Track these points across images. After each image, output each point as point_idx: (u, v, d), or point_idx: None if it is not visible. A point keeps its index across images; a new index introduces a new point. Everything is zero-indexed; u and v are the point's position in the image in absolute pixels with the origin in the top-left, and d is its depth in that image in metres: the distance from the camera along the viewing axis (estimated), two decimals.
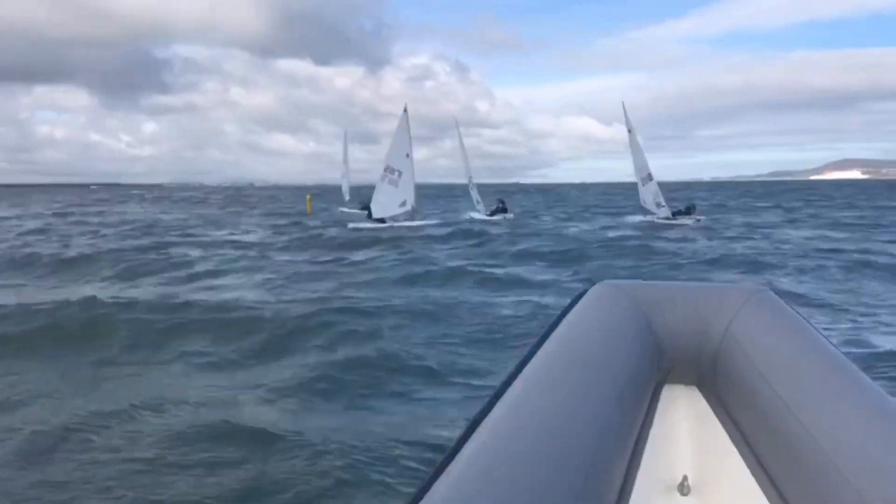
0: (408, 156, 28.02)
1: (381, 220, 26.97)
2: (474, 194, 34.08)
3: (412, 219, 27.96)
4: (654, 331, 1.38)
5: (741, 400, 1.29)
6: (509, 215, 31.66)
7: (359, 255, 17.62)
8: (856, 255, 16.15)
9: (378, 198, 27.30)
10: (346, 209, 36.30)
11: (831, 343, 1.28)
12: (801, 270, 14.29)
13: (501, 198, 34.79)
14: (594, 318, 1.35)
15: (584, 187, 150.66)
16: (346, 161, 43.69)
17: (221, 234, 26.08)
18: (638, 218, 30.34)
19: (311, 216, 35.74)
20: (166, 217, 39.78)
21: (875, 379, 1.19)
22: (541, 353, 1.19)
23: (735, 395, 1.32)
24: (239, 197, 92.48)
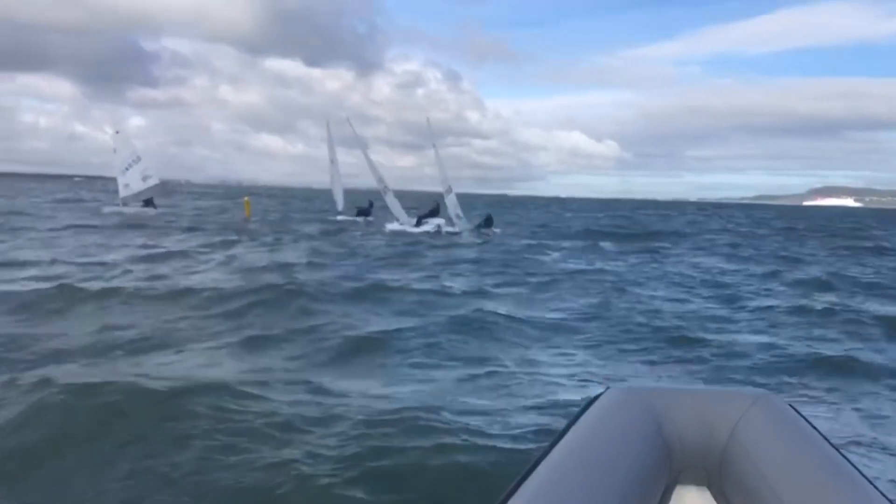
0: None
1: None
2: (451, 205, 30.02)
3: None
4: (665, 434, 1.43)
5: (748, 502, 1.33)
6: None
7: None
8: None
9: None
10: (343, 217, 34.94)
11: (834, 447, 1.34)
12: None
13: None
14: (606, 421, 1.40)
15: (561, 202, 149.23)
16: (334, 161, 37.02)
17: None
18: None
19: (249, 220, 34.07)
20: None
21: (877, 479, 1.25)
22: (553, 455, 1.24)
23: (743, 496, 1.36)
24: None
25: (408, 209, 30.69)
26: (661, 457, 1.38)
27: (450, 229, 28.41)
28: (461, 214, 29.76)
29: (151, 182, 37.71)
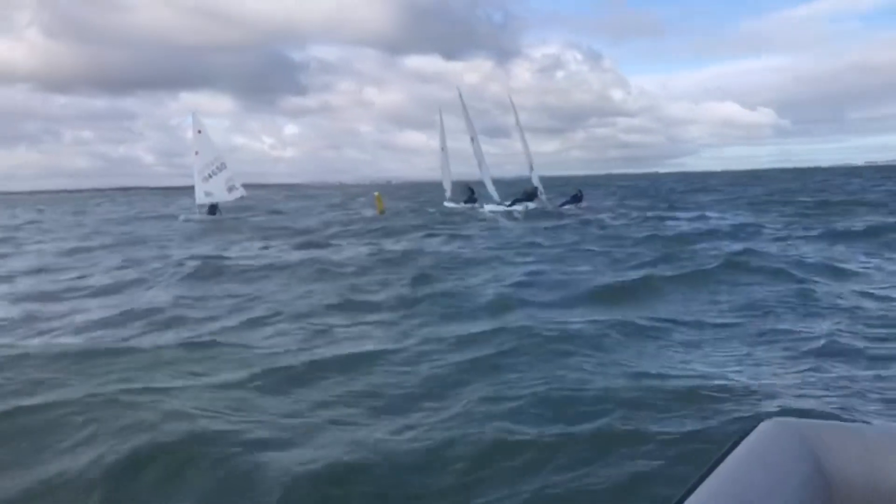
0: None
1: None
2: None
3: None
4: (823, 473, 1.38)
5: None
6: (583, 204, 31.16)
7: None
8: None
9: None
10: (451, 204, 35.30)
11: None
12: None
13: (580, 188, 34.24)
14: (761, 456, 1.33)
15: (706, 176, 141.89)
16: (444, 149, 36.69)
17: None
18: None
19: (382, 215, 33.07)
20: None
21: None
22: (703, 488, 1.18)
23: None
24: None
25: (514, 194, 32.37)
26: (820, 498, 1.31)
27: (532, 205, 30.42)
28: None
29: (237, 194, 33.00)
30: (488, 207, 30.43)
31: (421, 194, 71.12)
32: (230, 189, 32.80)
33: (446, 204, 35.58)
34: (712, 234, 17.98)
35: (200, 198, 32.26)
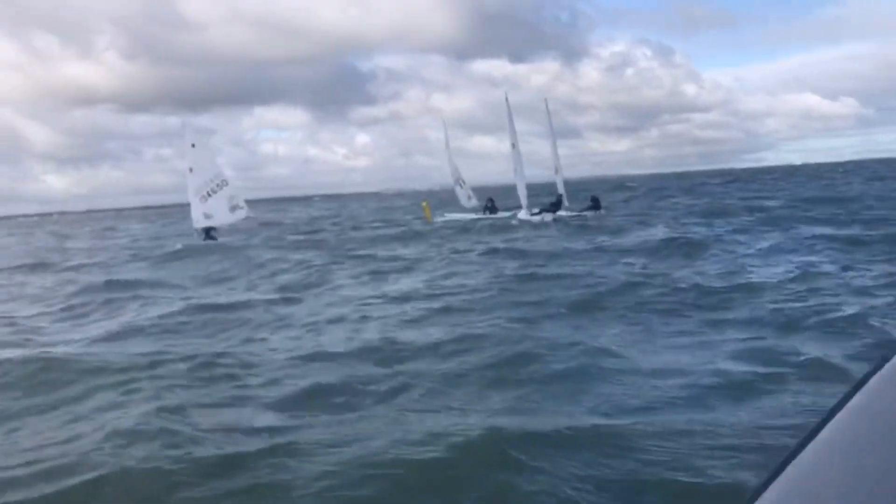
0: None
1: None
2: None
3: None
4: None
5: None
6: (601, 211, 31.18)
7: None
8: None
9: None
10: (524, 215, 31.27)
11: None
12: None
13: (595, 195, 33.95)
14: None
15: (792, 170, 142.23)
16: (515, 145, 32.89)
17: None
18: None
19: (431, 223, 33.55)
20: None
21: None
22: (839, 418, 0.97)
23: None
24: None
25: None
26: None
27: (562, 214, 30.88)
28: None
29: (241, 214, 28.83)
30: (520, 215, 30.92)
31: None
32: (233, 209, 28.78)
33: (520, 216, 30.95)
34: None
35: (199, 220, 28.05)
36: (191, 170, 27.89)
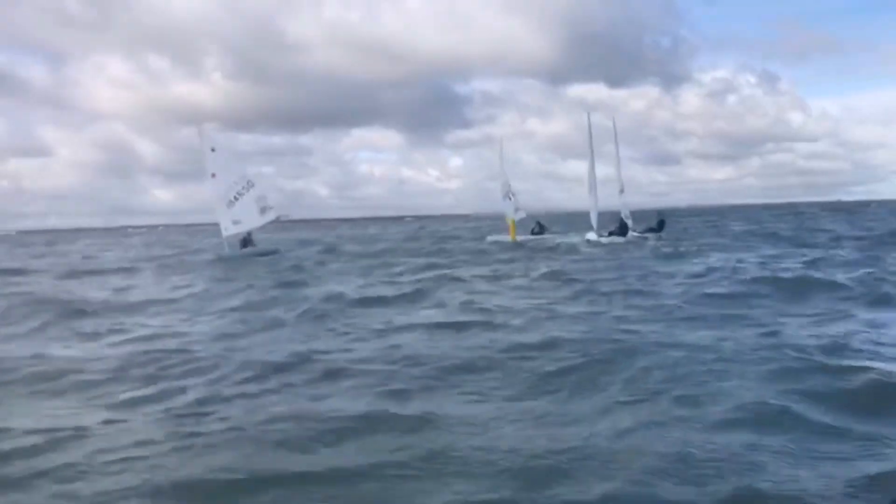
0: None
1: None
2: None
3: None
4: None
5: None
6: (662, 233, 32.02)
7: None
8: None
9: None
10: (592, 236, 32.09)
11: None
12: None
13: (662, 217, 34.64)
14: None
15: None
16: (592, 166, 33.51)
17: None
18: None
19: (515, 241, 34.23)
20: None
21: None
22: None
23: None
24: None
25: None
26: None
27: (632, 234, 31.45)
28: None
29: (272, 215, 26.83)
30: (588, 236, 31.61)
31: (571, 225, 65.21)
32: (263, 210, 26.57)
33: (588, 237, 31.79)
34: None
35: (228, 228, 25.79)
36: (213, 175, 26.07)
